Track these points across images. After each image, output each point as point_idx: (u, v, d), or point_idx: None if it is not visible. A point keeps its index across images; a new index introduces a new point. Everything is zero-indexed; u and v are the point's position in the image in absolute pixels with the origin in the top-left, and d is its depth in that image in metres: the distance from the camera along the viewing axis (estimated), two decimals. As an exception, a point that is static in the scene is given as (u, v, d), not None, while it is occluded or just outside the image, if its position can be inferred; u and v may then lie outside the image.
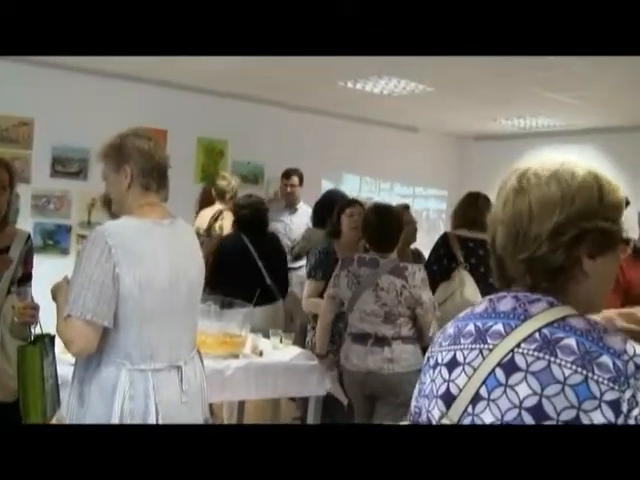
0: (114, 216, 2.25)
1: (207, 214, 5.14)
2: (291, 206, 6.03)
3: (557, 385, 1.02)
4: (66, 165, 6.01)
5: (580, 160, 1.18)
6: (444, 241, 4.16)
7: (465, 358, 1.15)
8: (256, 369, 3.58)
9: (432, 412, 1.18)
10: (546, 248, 1.11)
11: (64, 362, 2.61)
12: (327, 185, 7.19)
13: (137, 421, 2.07)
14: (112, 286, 2.03)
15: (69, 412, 2.17)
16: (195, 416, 2.24)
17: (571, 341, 1.05)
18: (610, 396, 1.00)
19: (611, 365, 1.02)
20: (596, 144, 7.16)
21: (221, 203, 5.23)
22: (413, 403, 1.28)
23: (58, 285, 2.19)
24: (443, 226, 8.98)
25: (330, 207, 4.63)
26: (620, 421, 1.00)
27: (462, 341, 1.17)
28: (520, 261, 1.14)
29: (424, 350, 3.47)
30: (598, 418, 1.00)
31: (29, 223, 5.68)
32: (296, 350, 3.91)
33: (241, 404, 4.52)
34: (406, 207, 4.70)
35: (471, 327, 1.17)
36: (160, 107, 6.39)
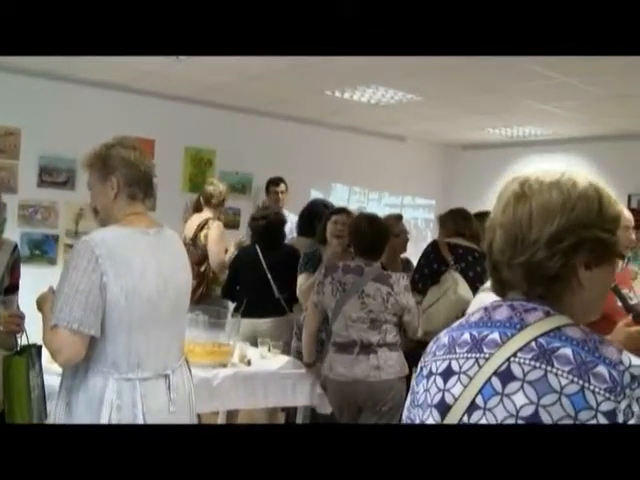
0: (102, 224, 2.26)
1: (194, 222, 5.12)
2: None
3: (554, 395, 1.03)
4: (53, 175, 6.01)
5: (580, 171, 1.19)
6: (434, 247, 4.22)
7: (461, 367, 1.15)
8: (244, 378, 3.57)
9: (426, 422, 1.17)
10: (544, 254, 1.12)
11: (51, 372, 2.60)
12: (316, 195, 7.22)
13: None
14: (99, 295, 2.04)
15: (56, 422, 2.16)
16: None
17: (567, 351, 1.06)
18: (606, 406, 1.00)
19: (607, 375, 1.02)
20: (582, 152, 7.23)
21: (209, 210, 5.21)
22: (405, 413, 1.27)
23: (44, 295, 2.19)
24: (431, 235, 9.01)
25: (314, 216, 4.67)
26: None
27: (457, 350, 1.17)
28: (517, 265, 1.14)
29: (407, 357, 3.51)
30: None
31: (16, 233, 5.67)
32: (284, 359, 3.91)
33: (232, 416, 4.51)
34: (399, 217, 4.73)
35: (466, 336, 1.18)
36: (148, 117, 6.40)
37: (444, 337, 1.23)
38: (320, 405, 3.76)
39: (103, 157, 2.22)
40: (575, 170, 1.20)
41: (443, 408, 1.14)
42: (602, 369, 1.03)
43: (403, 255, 4.74)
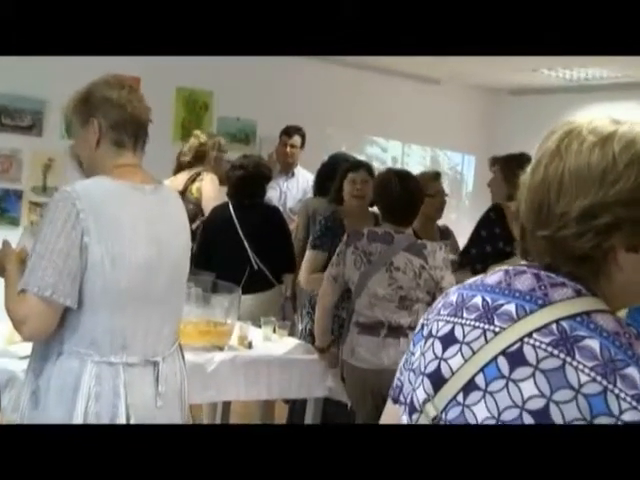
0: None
1: (183, 176, 5.10)
2: (287, 171, 6.02)
3: (569, 391, 1.02)
4: (15, 118, 5.98)
5: None
6: (499, 216, 4.04)
7: (464, 336, 1.15)
8: (244, 364, 3.58)
9: (417, 392, 1.19)
10: (571, 230, 1.09)
11: (10, 355, 2.60)
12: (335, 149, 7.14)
13: None
14: (78, 258, 2.04)
15: (20, 414, 2.17)
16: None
17: (594, 343, 1.05)
18: (630, 416, 1.00)
19: (638, 380, 1.01)
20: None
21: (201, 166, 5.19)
22: (397, 374, 1.31)
23: (6, 251, 2.19)
24: (469, 198, 8.97)
25: (333, 173, 4.64)
26: None
27: (464, 314, 1.17)
28: (540, 238, 1.13)
29: None
30: None
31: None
32: (292, 342, 3.92)
33: (226, 407, 4.53)
34: (437, 175, 4.67)
35: (478, 300, 1.17)
36: (131, 49, 6.36)
37: (453, 294, 1.23)
38: (336, 393, 3.76)
39: (84, 97, 2.23)
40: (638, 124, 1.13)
41: (437, 379, 1.15)
42: (633, 371, 1.02)
43: (440, 222, 4.69)
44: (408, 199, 3.61)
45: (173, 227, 2.29)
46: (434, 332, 1.20)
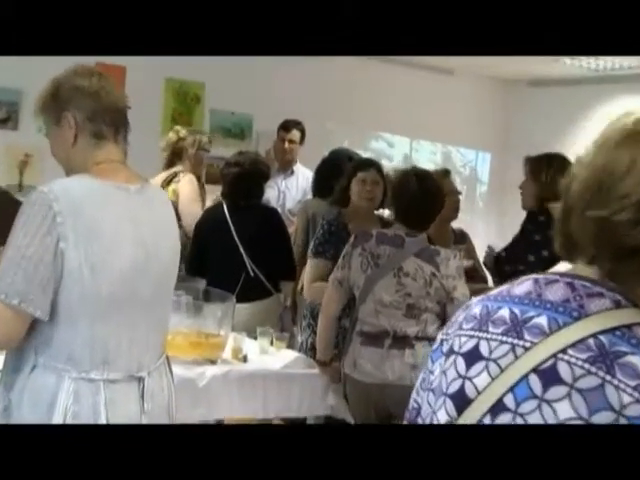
0: None
1: (161, 176, 5.11)
2: (286, 168, 6.03)
3: (610, 413, 1.01)
4: (-11, 110, 6.01)
5: None
6: (548, 219, 3.87)
7: (491, 352, 1.13)
8: (238, 379, 3.58)
9: (437, 414, 1.18)
10: (629, 215, 1.08)
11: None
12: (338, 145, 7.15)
13: None
14: (51, 265, 2.03)
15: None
16: None
17: (637, 359, 1.03)
18: None
19: None
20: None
21: (180, 165, 5.20)
22: (413, 396, 1.30)
23: None
24: (482, 198, 8.97)
25: (335, 171, 4.63)
26: None
27: (490, 328, 1.16)
28: (590, 220, 1.11)
29: None
30: None
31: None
32: (291, 355, 3.93)
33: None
34: (446, 172, 4.67)
35: (505, 312, 1.16)
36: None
37: (476, 306, 1.22)
38: (338, 411, 3.76)
39: (52, 92, 2.22)
40: None
41: (461, 400, 1.14)
42: None
43: (455, 224, 4.68)
44: (426, 201, 3.62)
45: (160, 230, 2.29)
46: (456, 348, 1.19)
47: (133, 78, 6.30)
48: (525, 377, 1.08)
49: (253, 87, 6.99)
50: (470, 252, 4.51)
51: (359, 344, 3.60)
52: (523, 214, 4.19)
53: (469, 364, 1.16)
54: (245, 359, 3.72)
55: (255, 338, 3.97)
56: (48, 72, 2.31)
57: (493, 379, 1.11)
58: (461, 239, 4.59)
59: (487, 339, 1.15)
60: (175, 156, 5.17)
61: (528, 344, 1.10)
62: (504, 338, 1.13)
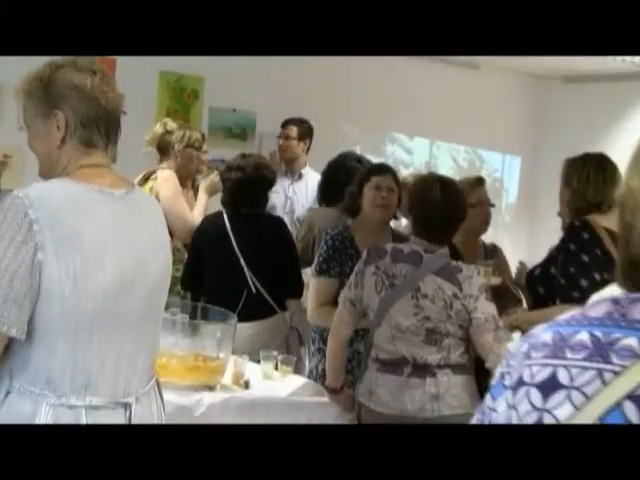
0: (44, 178, 2.25)
1: (139, 176, 5.02)
2: (292, 171, 6.04)
3: None
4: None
5: None
6: (592, 236, 3.73)
7: (572, 379, 1.11)
8: (239, 407, 3.58)
9: None
10: None
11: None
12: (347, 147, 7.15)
13: None
14: (28, 279, 2.03)
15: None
16: None
17: None
18: None
19: None
20: None
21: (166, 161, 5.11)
22: None
23: None
24: (509, 210, 8.95)
25: (343, 176, 4.63)
26: None
27: (568, 354, 1.14)
28: None
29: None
30: None
31: None
32: (298, 381, 3.93)
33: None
34: (480, 180, 4.64)
35: (584, 337, 1.14)
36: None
37: (544, 333, 1.20)
38: None
39: (46, 82, 2.21)
40: None
41: None
42: None
43: (486, 238, 4.66)
44: (450, 212, 3.61)
45: (149, 239, 2.29)
46: (527, 379, 1.18)
47: (124, 70, 6.31)
48: (618, 405, 1.06)
49: (256, 83, 7.01)
50: (501, 268, 4.46)
51: (375, 371, 3.60)
52: (556, 225, 4.11)
53: (546, 395, 1.14)
54: (247, 385, 3.73)
55: (258, 362, 3.97)
56: (29, 63, 2.28)
57: (578, 409, 1.09)
58: (492, 254, 4.54)
59: (565, 366, 1.13)
60: (160, 151, 5.08)
61: (618, 368, 1.08)
62: (587, 364, 1.12)
